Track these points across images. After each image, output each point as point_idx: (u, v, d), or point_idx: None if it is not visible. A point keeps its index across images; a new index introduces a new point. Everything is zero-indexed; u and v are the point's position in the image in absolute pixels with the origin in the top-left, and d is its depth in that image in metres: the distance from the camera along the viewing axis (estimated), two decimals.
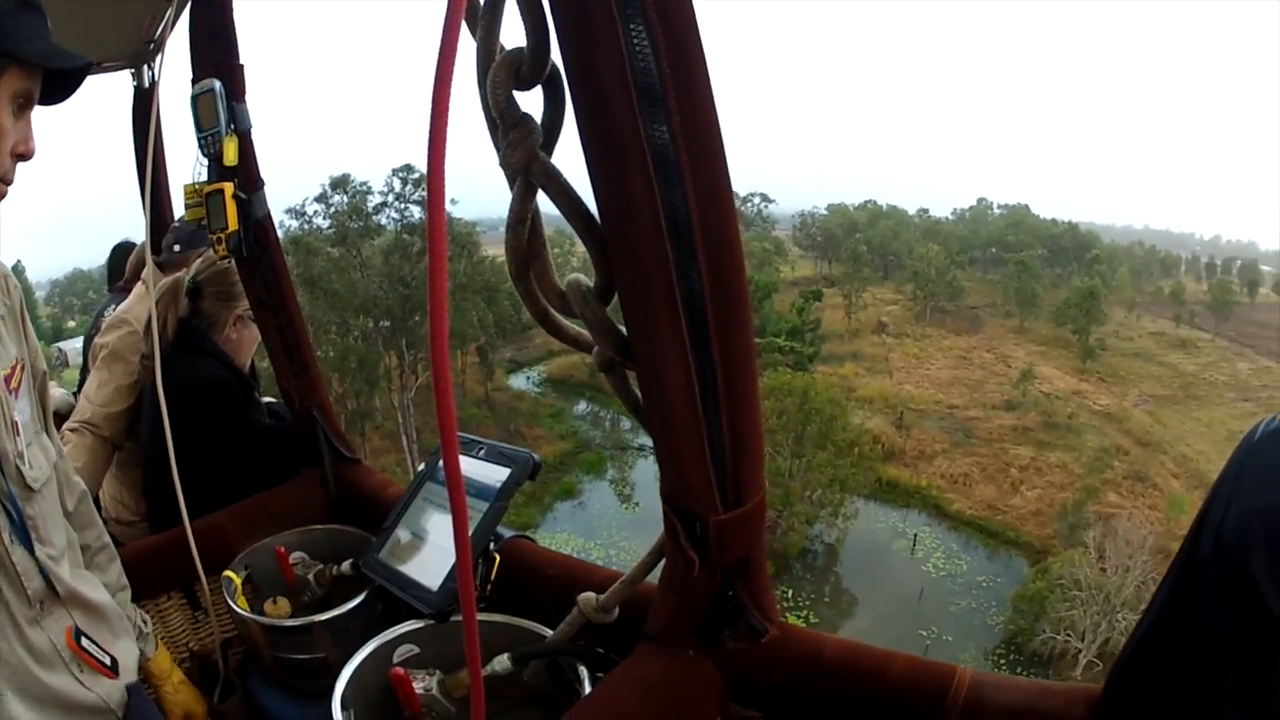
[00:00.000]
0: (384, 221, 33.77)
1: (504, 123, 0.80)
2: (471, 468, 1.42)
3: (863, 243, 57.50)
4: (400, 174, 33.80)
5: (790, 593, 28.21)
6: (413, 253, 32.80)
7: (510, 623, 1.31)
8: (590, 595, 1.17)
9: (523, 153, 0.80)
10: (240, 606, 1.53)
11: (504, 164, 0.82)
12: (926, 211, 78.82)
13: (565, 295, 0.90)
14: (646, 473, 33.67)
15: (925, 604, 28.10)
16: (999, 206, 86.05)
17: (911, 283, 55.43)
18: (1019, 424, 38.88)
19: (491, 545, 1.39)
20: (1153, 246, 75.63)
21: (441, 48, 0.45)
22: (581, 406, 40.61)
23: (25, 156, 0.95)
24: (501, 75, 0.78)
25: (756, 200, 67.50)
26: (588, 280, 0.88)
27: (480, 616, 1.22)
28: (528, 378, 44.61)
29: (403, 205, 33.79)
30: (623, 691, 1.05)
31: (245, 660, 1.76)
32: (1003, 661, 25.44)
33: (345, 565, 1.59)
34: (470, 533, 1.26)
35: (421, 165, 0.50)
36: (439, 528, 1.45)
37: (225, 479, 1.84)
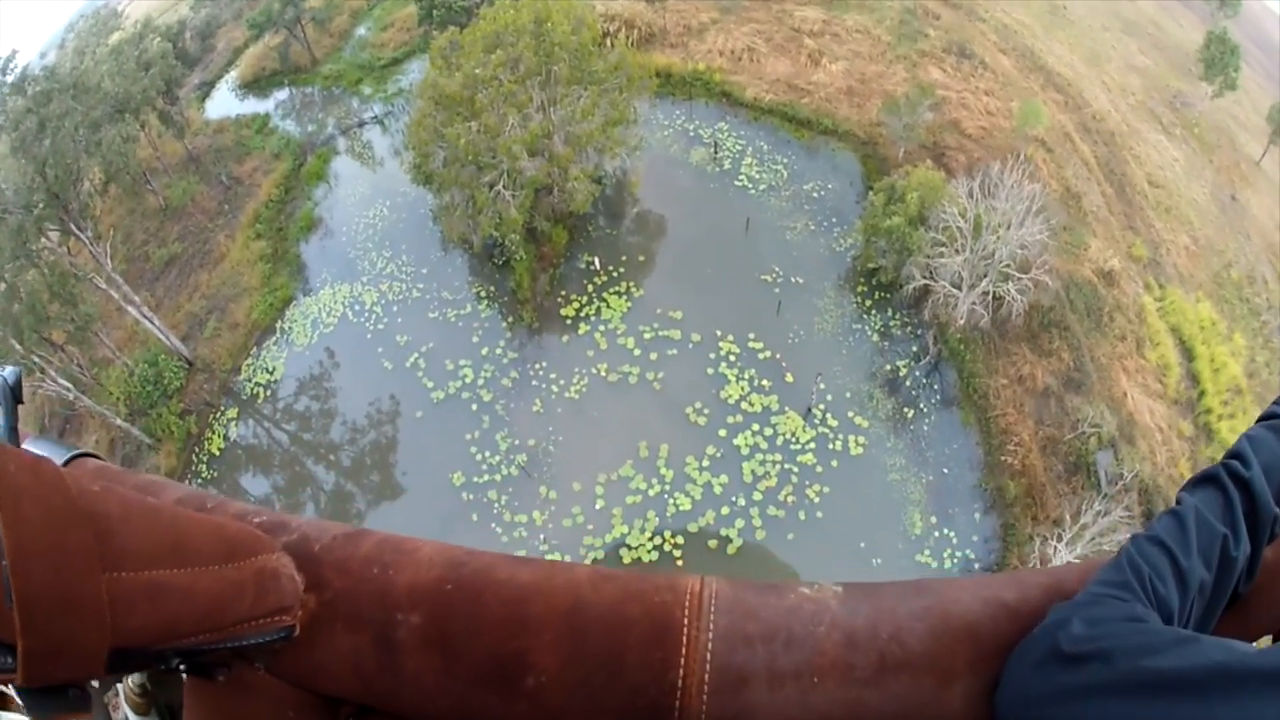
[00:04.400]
0: None
1: None
2: None
3: None
4: None
5: (596, 261, 24.53)
6: None
7: None
8: None
9: None
10: None
11: None
12: None
13: None
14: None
15: (755, 235, 25.20)
16: None
17: None
18: None
19: None
20: None
21: None
22: (282, 96, 34.36)
23: None
24: None
25: None
26: None
27: None
28: (235, 93, 36.24)
29: None
30: None
31: None
32: (869, 301, 23.57)
33: None
34: None
35: None
36: None
37: None
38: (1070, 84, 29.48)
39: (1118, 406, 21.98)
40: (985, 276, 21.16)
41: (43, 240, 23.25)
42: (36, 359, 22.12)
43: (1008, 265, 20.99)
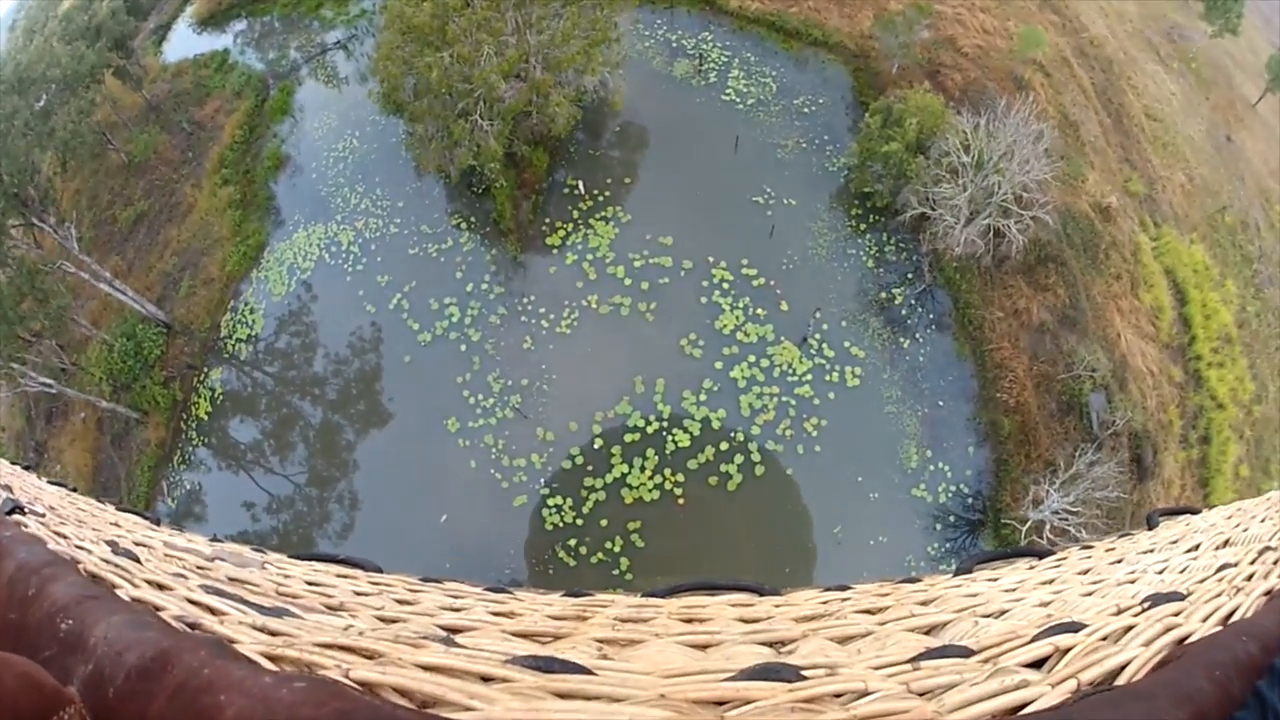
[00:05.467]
0: None
1: None
2: None
3: None
4: None
5: (580, 184, 23.64)
6: None
7: None
8: None
9: None
10: None
11: None
12: None
13: None
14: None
15: (744, 154, 24.31)
16: None
17: None
18: None
19: None
20: None
21: None
22: (240, 28, 32.31)
23: None
24: None
25: None
26: None
27: None
28: (193, 30, 33.98)
29: None
30: None
31: None
32: (863, 224, 23.09)
33: None
34: None
35: None
36: None
37: None
38: (1067, 5, 28.64)
39: (1111, 347, 21.83)
40: (984, 211, 20.74)
41: (5, 240, 22.27)
42: (15, 365, 21.58)
43: (1007, 197, 20.55)
